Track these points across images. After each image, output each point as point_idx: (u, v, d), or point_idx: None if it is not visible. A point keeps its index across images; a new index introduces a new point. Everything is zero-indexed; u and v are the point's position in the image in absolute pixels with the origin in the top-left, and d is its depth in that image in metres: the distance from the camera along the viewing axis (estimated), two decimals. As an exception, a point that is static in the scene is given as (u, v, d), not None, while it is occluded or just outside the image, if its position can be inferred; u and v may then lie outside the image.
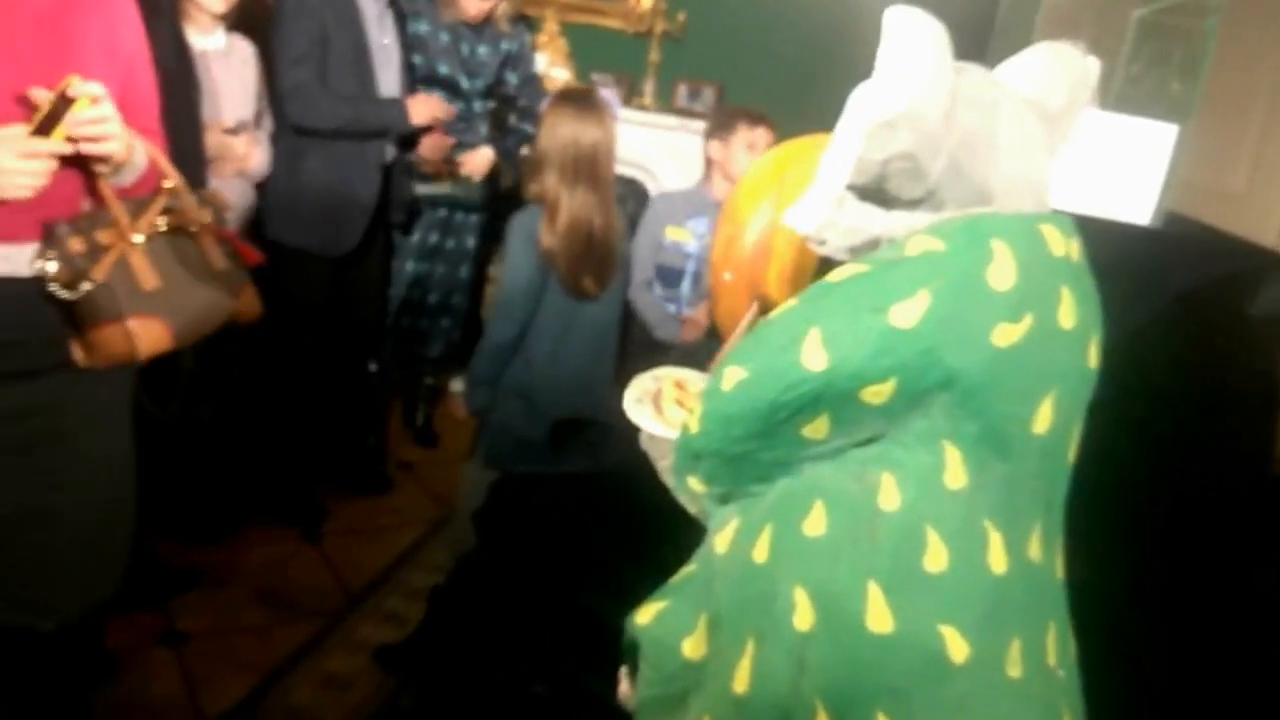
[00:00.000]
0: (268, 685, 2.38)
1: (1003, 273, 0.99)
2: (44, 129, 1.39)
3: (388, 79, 2.92)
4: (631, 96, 4.01)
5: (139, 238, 1.56)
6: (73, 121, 1.41)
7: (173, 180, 1.61)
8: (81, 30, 1.51)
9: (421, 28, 3.21)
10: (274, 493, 3.09)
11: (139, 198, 1.60)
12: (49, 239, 1.50)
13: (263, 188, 2.80)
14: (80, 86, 1.41)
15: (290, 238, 2.86)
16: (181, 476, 2.78)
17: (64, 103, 1.40)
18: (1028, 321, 0.99)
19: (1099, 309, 1.09)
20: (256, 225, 2.82)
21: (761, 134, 2.83)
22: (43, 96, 1.40)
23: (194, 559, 2.75)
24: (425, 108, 2.94)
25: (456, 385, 2.51)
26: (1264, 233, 3.84)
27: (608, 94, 2.63)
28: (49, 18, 1.47)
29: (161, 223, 1.61)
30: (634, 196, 3.94)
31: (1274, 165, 3.84)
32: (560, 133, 2.25)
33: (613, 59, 3.65)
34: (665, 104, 4.00)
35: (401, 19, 3.04)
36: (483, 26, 3.26)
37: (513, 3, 3.28)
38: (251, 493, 3.07)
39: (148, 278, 1.56)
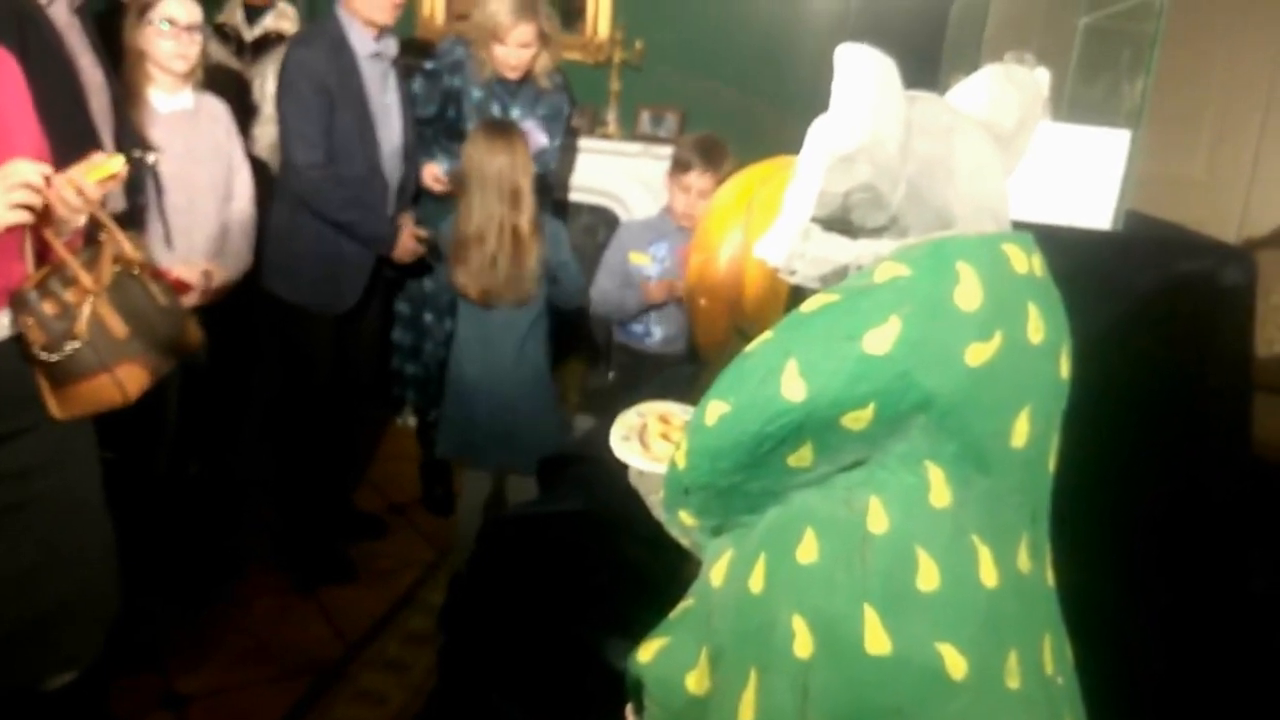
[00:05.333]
0: (273, 743, 2.37)
1: (969, 293, 1.01)
2: None
3: (389, 136, 2.92)
4: (595, 126, 4.04)
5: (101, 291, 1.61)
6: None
7: (109, 228, 1.65)
8: None
9: (455, 82, 3.20)
10: (270, 546, 3.08)
11: (83, 250, 1.65)
12: (21, 305, 1.55)
13: (259, 242, 2.83)
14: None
15: (289, 294, 2.88)
16: (171, 535, 2.77)
17: None
18: (998, 339, 1.02)
19: (1065, 321, 1.11)
20: (253, 278, 2.84)
21: (709, 180, 2.85)
22: None
23: (187, 617, 2.74)
24: (408, 248, 2.98)
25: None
26: (1226, 216, 3.96)
27: (529, 126, 2.72)
28: None
29: (111, 272, 1.65)
30: (605, 225, 3.95)
31: (1231, 153, 3.96)
32: (472, 156, 2.69)
33: (576, 91, 3.67)
34: (629, 132, 4.03)
35: (405, 77, 3.04)
36: (519, 86, 3.19)
37: (553, 58, 3.20)
38: (244, 547, 3.07)
39: (118, 326, 1.62)
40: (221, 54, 3.11)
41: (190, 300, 2.56)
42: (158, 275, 1.79)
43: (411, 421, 3.88)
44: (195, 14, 2.51)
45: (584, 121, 3.99)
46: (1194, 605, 1.60)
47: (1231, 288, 1.74)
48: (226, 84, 2.96)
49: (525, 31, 3.03)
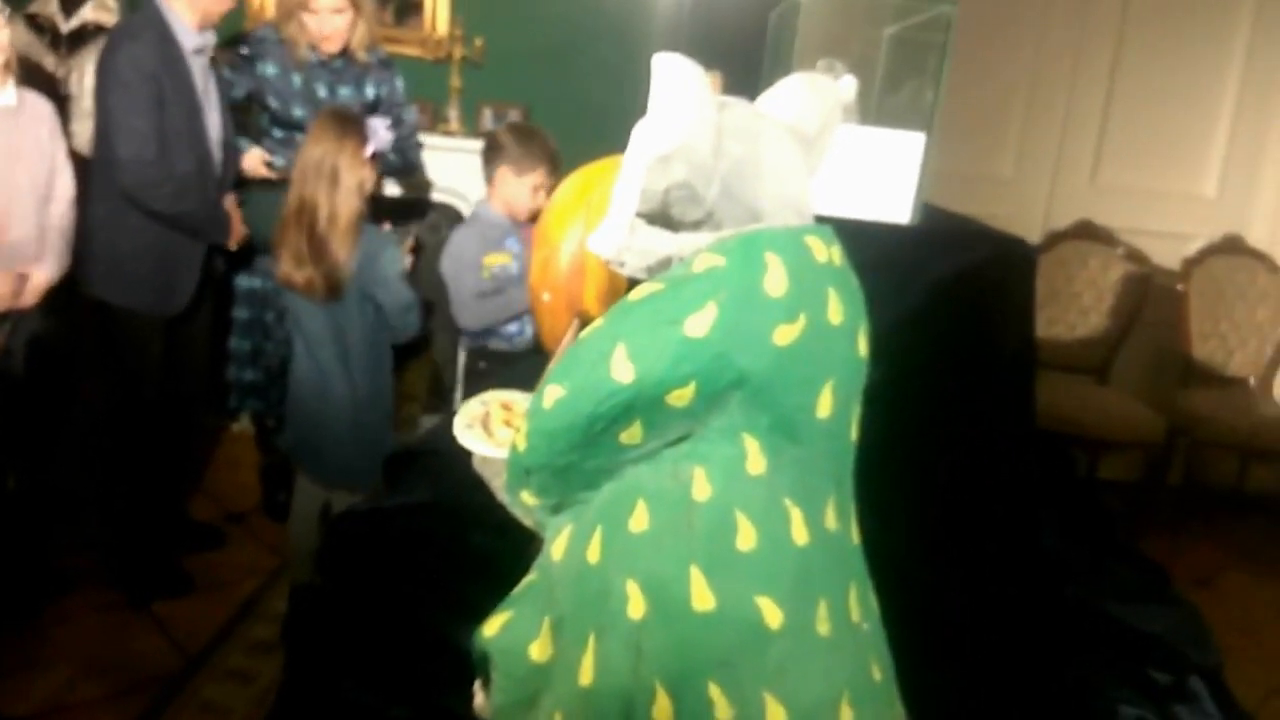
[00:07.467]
0: (111, 760, 2.30)
1: (776, 281, 1.12)
2: None
3: (212, 129, 2.86)
4: (437, 122, 4.03)
5: None
6: None
7: None
8: None
9: (269, 70, 3.12)
10: (100, 560, 2.96)
11: None
12: None
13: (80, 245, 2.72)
14: None
15: (116, 298, 2.77)
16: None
17: None
18: (802, 321, 1.13)
19: (863, 304, 1.24)
20: (73, 282, 2.72)
21: (551, 181, 2.90)
22: None
23: (12, 637, 2.62)
24: (240, 231, 2.94)
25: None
26: (1032, 211, 4.32)
27: (376, 122, 2.68)
28: None
29: None
30: (449, 222, 3.96)
31: (1034, 153, 4.34)
32: (305, 143, 2.66)
33: (416, 86, 3.66)
34: (471, 129, 4.05)
35: (217, 70, 2.96)
36: (341, 67, 3.17)
37: (370, 32, 3.18)
38: (70, 562, 2.94)
39: None
40: (35, 46, 2.96)
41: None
42: None
43: (250, 427, 3.79)
44: None
45: (425, 118, 3.99)
46: (988, 559, 1.78)
47: (1015, 274, 1.94)
48: (40, 77, 2.83)
49: None
